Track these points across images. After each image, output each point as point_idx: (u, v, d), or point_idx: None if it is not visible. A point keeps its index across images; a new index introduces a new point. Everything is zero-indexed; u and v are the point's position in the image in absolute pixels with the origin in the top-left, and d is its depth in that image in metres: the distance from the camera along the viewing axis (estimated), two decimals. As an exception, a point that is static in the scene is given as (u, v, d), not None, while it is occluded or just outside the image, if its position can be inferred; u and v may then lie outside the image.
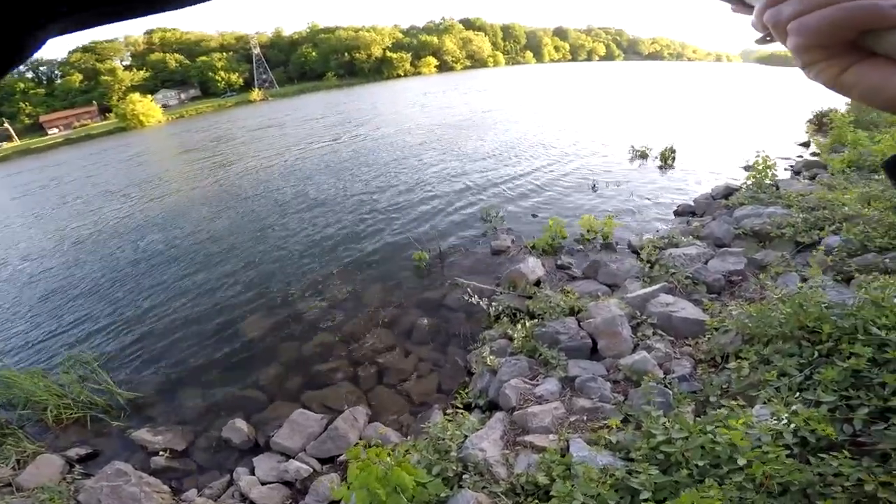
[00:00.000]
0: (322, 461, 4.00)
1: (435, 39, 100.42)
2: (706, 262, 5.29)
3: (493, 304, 5.39)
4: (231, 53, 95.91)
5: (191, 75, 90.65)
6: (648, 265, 5.63)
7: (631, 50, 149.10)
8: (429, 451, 3.22)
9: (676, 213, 8.04)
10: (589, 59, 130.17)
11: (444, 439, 3.30)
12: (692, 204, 8.10)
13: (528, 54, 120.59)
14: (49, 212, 17.33)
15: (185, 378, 5.58)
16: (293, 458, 4.04)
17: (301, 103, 56.65)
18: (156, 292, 7.95)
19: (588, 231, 6.95)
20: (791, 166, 9.70)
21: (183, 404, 5.17)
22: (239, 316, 6.57)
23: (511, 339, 4.62)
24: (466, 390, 4.30)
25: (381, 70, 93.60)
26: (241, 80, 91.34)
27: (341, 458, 3.87)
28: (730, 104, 24.08)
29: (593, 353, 4.20)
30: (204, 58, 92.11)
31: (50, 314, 7.90)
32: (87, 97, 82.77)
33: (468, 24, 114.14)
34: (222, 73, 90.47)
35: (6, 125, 73.00)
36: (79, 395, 5.27)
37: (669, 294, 4.63)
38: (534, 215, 8.49)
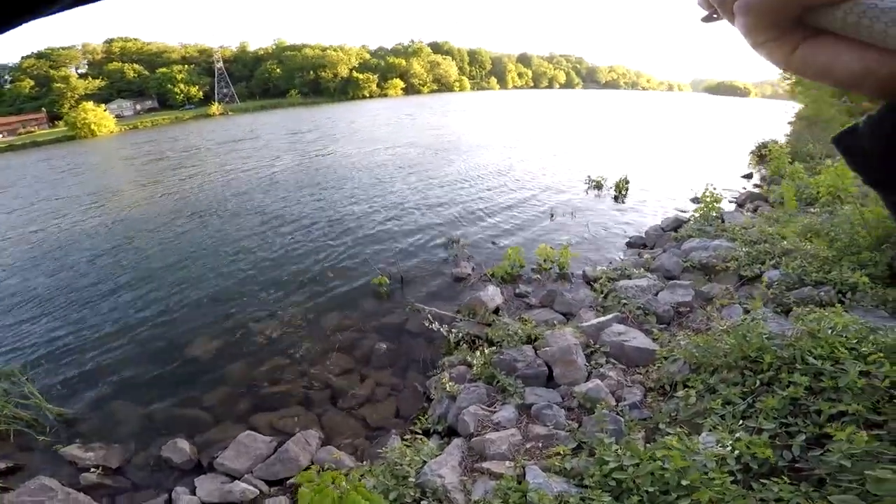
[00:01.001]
0: (270, 483, 3.87)
1: (403, 62, 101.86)
2: (656, 294, 5.58)
3: (453, 330, 5.45)
4: (192, 66, 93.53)
5: (149, 86, 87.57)
6: (602, 295, 5.87)
7: (590, 78, 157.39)
8: (386, 476, 3.20)
9: (629, 245, 8.44)
10: (550, 86, 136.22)
11: (401, 465, 3.29)
12: (643, 236, 8.54)
13: (493, 80, 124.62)
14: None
15: (122, 394, 5.35)
16: (239, 479, 3.89)
17: (263, 119, 55.81)
18: (94, 306, 7.58)
19: (545, 260, 7.17)
20: (735, 198, 10.44)
21: (119, 421, 4.95)
22: (185, 333, 6.35)
23: (470, 365, 4.68)
24: (425, 416, 4.30)
25: (346, 90, 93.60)
26: (200, 93, 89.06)
27: (291, 480, 3.76)
28: (680, 134, 25.81)
29: (549, 381, 4.32)
30: (164, 70, 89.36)
31: None
32: (36, 104, 78.32)
33: (436, 48, 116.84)
34: (182, 86, 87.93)
35: (-62, 132, 67.53)
36: (1, 408, 4.98)
37: (622, 324, 4.84)
38: (493, 242, 8.68)
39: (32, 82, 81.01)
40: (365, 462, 3.78)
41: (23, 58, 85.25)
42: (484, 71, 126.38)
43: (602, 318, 5.01)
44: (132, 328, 6.73)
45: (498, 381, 4.22)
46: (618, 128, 29.73)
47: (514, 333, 4.92)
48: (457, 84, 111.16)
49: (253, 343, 5.99)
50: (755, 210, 8.87)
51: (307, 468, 3.70)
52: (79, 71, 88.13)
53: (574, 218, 10.00)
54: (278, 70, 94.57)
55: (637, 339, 4.52)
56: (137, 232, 11.69)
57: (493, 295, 6.09)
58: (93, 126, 62.06)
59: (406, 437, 3.95)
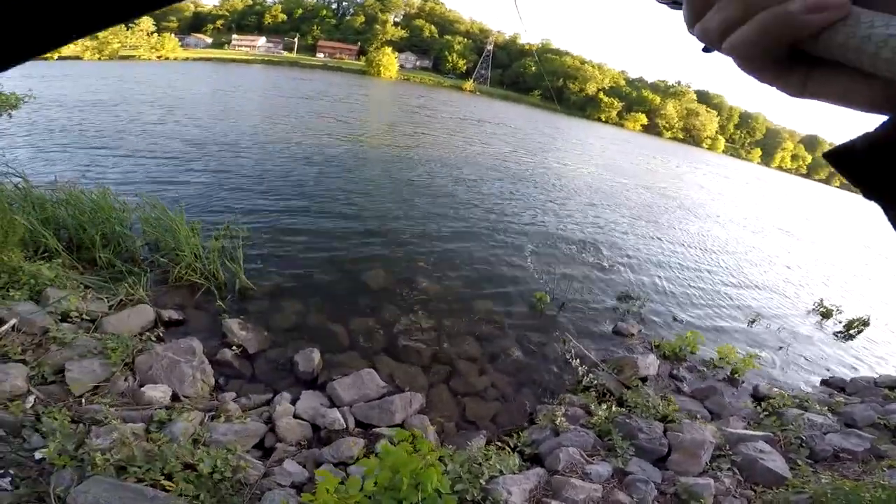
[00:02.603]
0: (359, 424, 4.03)
1: (657, 99, 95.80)
2: (825, 433, 4.87)
3: (590, 375, 5.40)
4: (469, 41, 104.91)
5: (433, 48, 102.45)
6: (765, 413, 5.44)
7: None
8: (463, 467, 3.27)
9: (824, 382, 7.20)
10: (827, 181, 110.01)
11: (481, 464, 3.37)
12: (847, 381, 7.18)
13: (756, 151, 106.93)
14: (282, 109, 22.23)
15: (298, 293, 5.93)
16: (338, 407, 4.09)
17: (505, 109, 59.69)
18: (321, 208, 9.32)
19: (721, 359, 6.63)
20: None
21: (282, 313, 5.43)
22: (371, 265, 7.21)
23: (590, 412, 4.68)
24: (520, 434, 4.34)
25: (584, 108, 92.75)
26: (464, 67, 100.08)
27: (378, 429, 3.93)
28: None
29: (660, 461, 4.16)
30: (448, 37, 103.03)
31: (243, 185, 9.93)
32: (358, 38, 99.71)
33: (703, 98, 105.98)
34: (455, 56, 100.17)
35: (296, 39, 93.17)
36: (209, 263, 5.52)
37: (768, 444, 4.57)
38: (675, 318, 8.09)
39: (363, 19, 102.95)
40: (448, 445, 3.84)
41: None
42: (750, 139, 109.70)
43: (750, 432, 4.63)
44: (336, 238, 8.01)
45: (610, 439, 4.17)
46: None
47: (651, 406, 4.79)
48: (707, 141, 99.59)
49: (413, 295, 6.59)
50: None
51: (398, 425, 4.03)
52: (395, 19, 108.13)
53: (777, 334, 8.74)
54: (533, 68, 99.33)
55: (776, 462, 4.07)
56: (377, 164, 14.42)
57: (649, 363, 5.87)
58: (381, 69, 77.06)
59: (494, 442, 4.08)
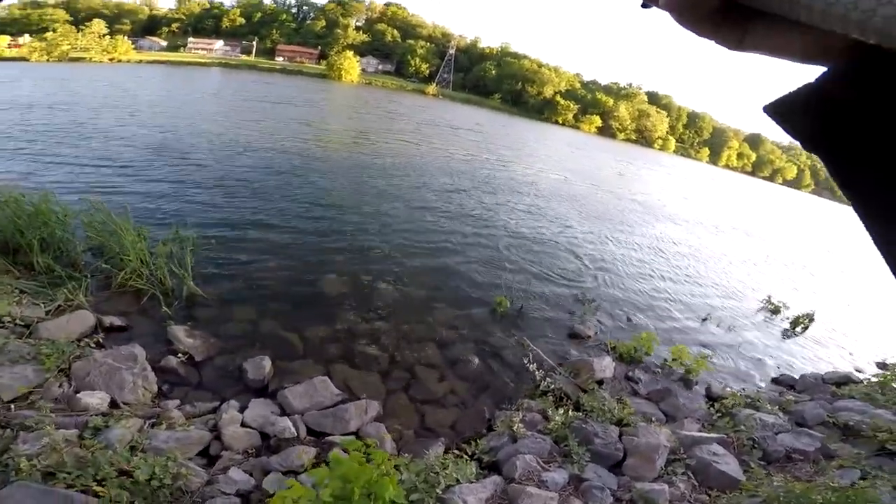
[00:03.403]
0: (311, 432, 3.97)
1: (610, 101, 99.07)
2: (776, 433, 5.09)
3: (548, 379, 5.43)
4: (431, 45, 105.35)
5: (396, 52, 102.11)
6: (717, 415, 5.66)
7: (826, 185, 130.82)
8: (418, 476, 3.24)
9: (774, 381, 7.59)
10: (771, 178, 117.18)
11: (437, 473, 3.34)
12: (797, 378, 7.61)
13: (705, 151, 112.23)
14: (241, 113, 21.58)
15: (250, 300, 5.85)
16: (289, 415, 4.03)
17: (468, 113, 60.43)
18: (275, 210, 9.24)
19: (674, 360, 6.80)
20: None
21: (233, 321, 5.36)
22: (327, 272, 7.09)
23: (547, 418, 4.69)
24: (478, 441, 4.32)
25: (542, 110, 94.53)
26: (427, 71, 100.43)
27: (331, 437, 3.88)
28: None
29: (616, 467, 4.20)
30: (411, 41, 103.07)
31: (196, 191, 9.63)
32: (319, 42, 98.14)
33: (653, 99, 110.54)
34: (417, 60, 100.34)
35: (255, 42, 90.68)
36: (156, 269, 5.43)
37: (722, 446, 4.71)
38: (629, 319, 8.32)
39: (324, 23, 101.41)
40: (403, 454, 3.80)
41: (329, 1, 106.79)
42: (698, 139, 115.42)
43: (705, 434, 4.78)
44: (293, 245, 7.90)
45: (567, 445, 4.18)
46: (842, 254, 24.86)
47: (607, 409, 4.85)
48: (659, 142, 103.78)
49: (371, 302, 6.54)
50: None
51: (352, 433, 3.97)
52: (356, 24, 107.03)
53: (728, 332, 9.17)
54: (493, 72, 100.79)
55: (729, 465, 4.20)
56: (336, 170, 14.20)
57: (605, 366, 5.98)
58: (343, 72, 76.04)
59: (452, 450, 4.05)
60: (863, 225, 0.34)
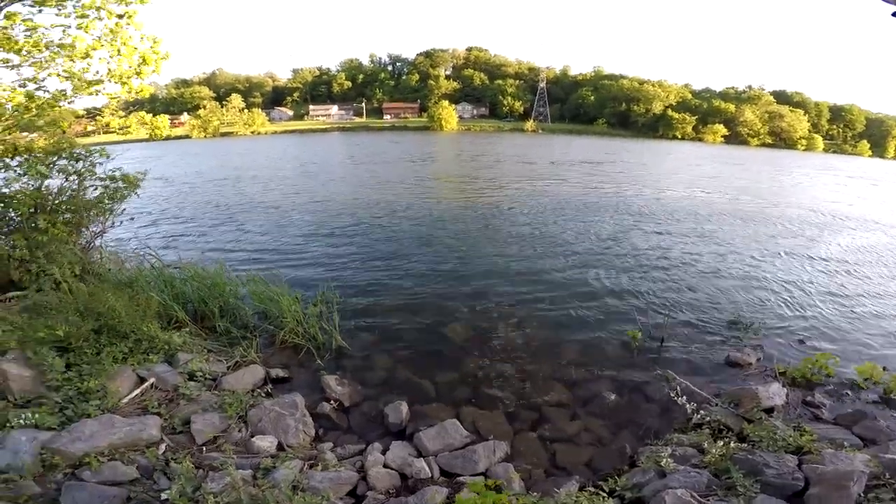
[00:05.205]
0: (444, 473, 4.07)
1: (731, 107, 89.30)
2: None
3: (701, 412, 4.89)
4: (520, 82, 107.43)
5: (486, 95, 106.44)
6: (935, 433, 4.39)
7: None
8: None
9: None
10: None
11: None
12: None
13: (864, 144, 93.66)
14: (365, 176, 24.29)
15: (387, 349, 6.29)
16: (423, 457, 4.18)
17: (569, 143, 59.38)
18: (406, 268, 9.81)
19: (865, 379, 5.66)
20: None
21: (373, 369, 5.81)
22: (450, 318, 7.37)
23: (702, 451, 4.18)
24: (618, 478, 3.98)
25: (656, 127, 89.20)
26: (521, 108, 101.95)
27: (461, 478, 3.92)
28: None
29: (796, 497, 3.50)
30: (499, 81, 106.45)
31: (334, 252, 10.79)
32: (416, 95, 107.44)
33: (782, 98, 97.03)
34: (509, 99, 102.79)
35: (363, 104, 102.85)
36: (310, 327, 6.07)
37: None
38: (801, 341, 7.06)
39: (417, 76, 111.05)
40: (532, 493, 3.70)
41: (417, 55, 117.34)
42: (851, 132, 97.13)
43: None
44: (419, 296, 8.34)
45: (729, 477, 3.64)
46: None
47: (780, 438, 4.14)
48: (802, 141, 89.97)
49: (495, 343, 6.61)
50: None
51: (481, 474, 4.00)
52: (445, 72, 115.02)
53: None
54: (592, 97, 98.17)
55: None
56: (451, 217, 14.86)
57: (773, 393, 5.18)
58: (443, 121, 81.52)
59: (588, 488, 3.82)
60: None
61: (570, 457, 4.47)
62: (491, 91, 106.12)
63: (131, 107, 7.54)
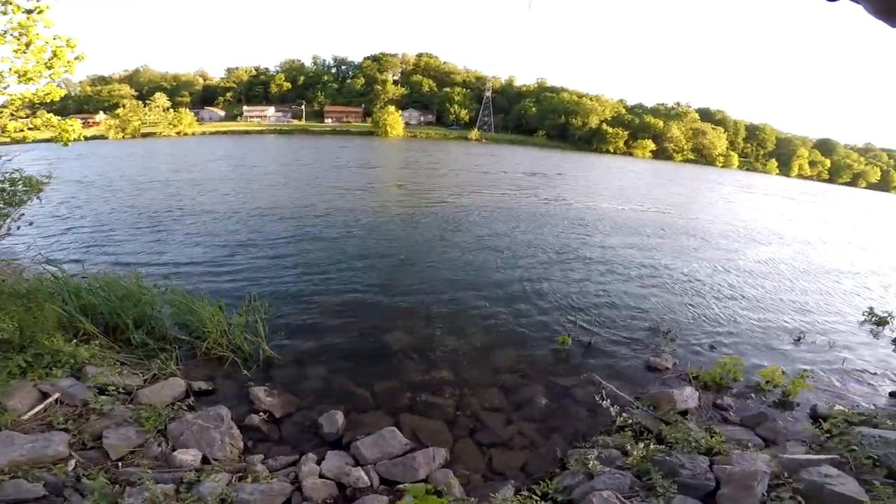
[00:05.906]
0: (384, 481, 4.07)
1: (660, 123, 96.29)
2: None
3: (624, 414, 5.16)
4: (468, 90, 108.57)
5: (434, 102, 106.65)
6: (827, 435, 5.01)
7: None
8: None
9: (893, 395, 6.66)
10: (852, 183, 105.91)
11: None
12: None
13: (772, 163, 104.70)
14: (300, 182, 23.39)
15: (321, 359, 6.17)
16: (362, 466, 4.15)
17: (514, 154, 60.86)
18: (345, 278, 9.54)
19: (767, 382, 6.18)
20: None
21: (306, 379, 5.68)
22: (391, 327, 7.34)
23: (626, 453, 4.43)
24: (551, 481, 4.15)
25: (590, 141, 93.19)
26: (467, 116, 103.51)
27: (400, 486, 3.92)
28: None
29: (708, 496, 3.80)
30: (448, 89, 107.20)
31: (263, 259, 10.37)
32: (361, 99, 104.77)
33: (706, 116, 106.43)
34: (456, 107, 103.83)
35: (303, 106, 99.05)
36: (235, 337, 5.90)
37: (836, 468, 4.15)
38: (712, 347, 7.69)
39: (363, 81, 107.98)
40: (472, 498, 3.80)
41: (364, 58, 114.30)
42: (763, 151, 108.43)
43: (813, 456, 4.17)
44: (356, 303, 8.23)
45: (649, 478, 3.90)
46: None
47: (693, 440, 4.48)
48: (720, 159, 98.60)
49: (434, 350, 6.68)
50: None
51: (421, 481, 4.00)
52: (393, 78, 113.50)
53: (829, 350, 8.11)
54: (534, 109, 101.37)
55: (846, 485, 3.60)
56: (389, 225, 14.83)
57: (687, 396, 5.58)
58: (388, 127, 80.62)
59: (522, 492, 3.93)
60: None
61: (505, 461, 4.62)
62: (439, 98, 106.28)
63: (36, 107, 6.77)
